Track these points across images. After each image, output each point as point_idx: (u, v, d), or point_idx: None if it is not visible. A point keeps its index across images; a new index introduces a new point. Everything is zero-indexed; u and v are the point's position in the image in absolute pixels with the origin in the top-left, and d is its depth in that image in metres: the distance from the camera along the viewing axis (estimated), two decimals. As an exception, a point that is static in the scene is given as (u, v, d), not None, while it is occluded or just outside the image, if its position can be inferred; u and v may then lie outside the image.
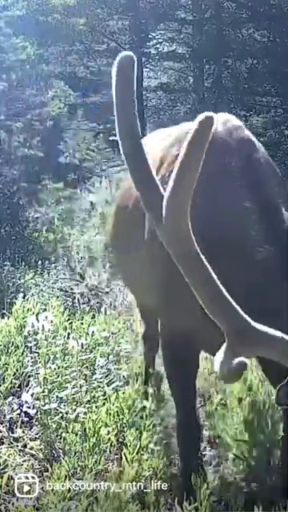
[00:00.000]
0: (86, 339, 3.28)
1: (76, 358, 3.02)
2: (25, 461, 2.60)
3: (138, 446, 2.49)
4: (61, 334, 3.37)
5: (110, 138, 10.40)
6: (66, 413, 2.76)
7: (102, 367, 3.12)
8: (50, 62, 11.19)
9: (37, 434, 2.81)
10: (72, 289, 5.71)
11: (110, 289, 5.88)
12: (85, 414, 2.71)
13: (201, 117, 1.45)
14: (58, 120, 11.24)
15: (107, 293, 5.80)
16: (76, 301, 5.26)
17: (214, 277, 1.56)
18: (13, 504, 2.28)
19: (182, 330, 2.27)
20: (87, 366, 3.15)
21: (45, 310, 3.88)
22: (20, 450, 2.68)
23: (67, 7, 11.29)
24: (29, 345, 3.27)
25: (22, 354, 3.32)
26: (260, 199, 2.09)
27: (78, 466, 2.47)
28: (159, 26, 11.80)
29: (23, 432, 2.81)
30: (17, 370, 3.25)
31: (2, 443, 2.71)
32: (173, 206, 1.53)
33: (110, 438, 2.68)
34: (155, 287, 2.40)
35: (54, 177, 10.57)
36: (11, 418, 2.87)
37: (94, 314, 4.24)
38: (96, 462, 2.47)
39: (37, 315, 3.29)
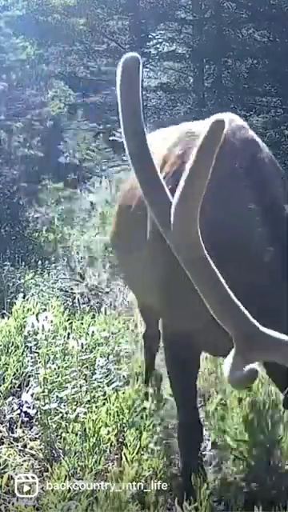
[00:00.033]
0: (86, 339, 3.28)
1: (76, 358, 3.02)
2: (25, 461, 2.60)
3: (137, 446, 2.49)
4: (61, 334, 3.36)
5: (110, 138, 10.39)
6: (66, 413, 2.76)
7: (102, 367, 3.12)
8: (50, 62, 11.19)
9: (37, 434, 2.81)
10: (72, 289, 5.71)
11: (110, 289, 5.89)
12: (85, 414, 2.71)
13: (211, 120, 1.42)
14: (58, 120, 11.24)
15: (107, 293, 5.80)
16: (76, 301, 5.26)
17: (223, 282, 1.55)
18: (13, 504, 2.28)
19: (184, 331, 2.27)
20: (87, 366, 3.15)
21: (45, 309, 3.88)
22: (20, 450, 2.68)
23: (67, 7, 11.30)
24: (29, 345, 3.27)
25: (22, 354, 3.32)
26: (264, 200, 2.09)
27: (78, 465, 2.47)
28: (159, 26, 11.79)
29: (23, 432, 2.81)
30: (17, 370, 3.25)
31: (2, 443, 2.71)
32: (182, 213, 1.51)
33: (109, 438, 2.68)
34: (157, 287, 2.40)
35: (54, 177, 10.57)
36: (11, 418, 2.87)
37: (94, 314, 4.24)
38: (96, 462, 2.47)
39: (37, 315, 3.29)
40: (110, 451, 2.68)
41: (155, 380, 3.21)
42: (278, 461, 2.47)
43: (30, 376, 3.17)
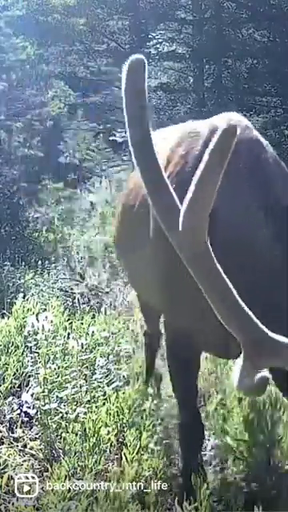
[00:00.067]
0: (86, 339, 3.28)
1: (76, 358, 3.02)
2: (25, 461, 2.60)
3: (137, 446, 2.49)
4: (61, 334, 3.36)
5: (110, 138, 10.39)
6: (66, 413, 2.76)
7: (102, 367, 3.12)
8: (50, 62, 11.19)
9: (37, 434, 2.81)
10: (72, 289, 5.72)
11: (110, 289, 5.89)
12: (85, 414, 2.71)
13: (223, 125, 1.40)
14: (58, 120, 11.25)
15: (107, 293, 5.81)
16: (76, 301, 5.27)
17: (231, 287, 1.53)
18: (13, 504, 2.28)
19: (186, 330, 2.27)
20: (87, 366, 3.15)
21: (45, 309, 3.88)
22: (20, 450, 2.68)
23: (67, 7, 11.29)
24: (29, 345, 3.27)
25: (22, 354, 3.32)
26: (269, 200, 2.09)
27: (78, 465, 2.47)
28: (159, 26, 11.78)
29: (23, 432, 2.81)
30: (17, 370, 3.25)
31: (2, 443, 2.71)
32: (190, 220, 1.50)
33: (109, 438, 2.68)
34: (160, 286, 2.40)
35: (54, 177, 10.58)
36: (11, 417, 2.87)
37: (94, 314, 4.25)
38: (96, 462, 2.47)
39: (37, 315, 3.29)
40: (110, 451, 2.68)
41: (155, 380, 3.22)
42: (277, 461, 2.48)
43: (30, 376, 3.17)
